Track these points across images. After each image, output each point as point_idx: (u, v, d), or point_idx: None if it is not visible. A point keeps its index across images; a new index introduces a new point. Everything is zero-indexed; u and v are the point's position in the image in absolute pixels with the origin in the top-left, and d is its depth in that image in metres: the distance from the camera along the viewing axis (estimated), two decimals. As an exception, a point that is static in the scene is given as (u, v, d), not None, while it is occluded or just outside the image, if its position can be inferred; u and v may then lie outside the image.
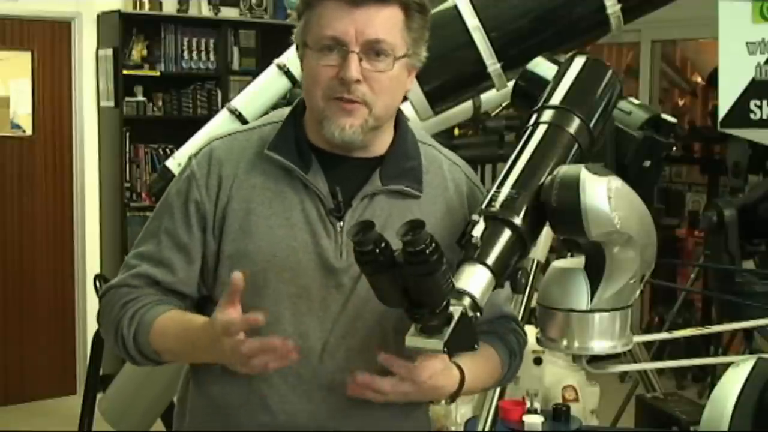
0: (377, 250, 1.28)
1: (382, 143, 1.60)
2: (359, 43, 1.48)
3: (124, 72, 5.49)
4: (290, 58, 2.80)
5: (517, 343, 1.72)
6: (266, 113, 2.27)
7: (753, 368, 1.56)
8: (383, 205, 1.58)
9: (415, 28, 1.54)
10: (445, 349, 1.28)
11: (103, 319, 1.64)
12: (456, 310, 1.29)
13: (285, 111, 1.66)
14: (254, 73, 3.58)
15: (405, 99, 2.32)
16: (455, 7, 2.14)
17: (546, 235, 1.68)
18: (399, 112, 1.63)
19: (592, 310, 1.47)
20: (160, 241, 1.59)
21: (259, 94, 2.89)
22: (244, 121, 2.75)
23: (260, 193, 1.56)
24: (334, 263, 1.55)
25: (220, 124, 2.82)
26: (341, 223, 1.56)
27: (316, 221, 1.55)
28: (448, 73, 2.19)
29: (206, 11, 5.93)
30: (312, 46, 1.52)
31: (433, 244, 1.24)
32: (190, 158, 1.64)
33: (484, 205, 1.44)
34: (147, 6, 5.66)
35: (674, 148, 1.87)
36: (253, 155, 1.59)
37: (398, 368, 1.46)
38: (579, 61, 1.66)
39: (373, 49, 1.50)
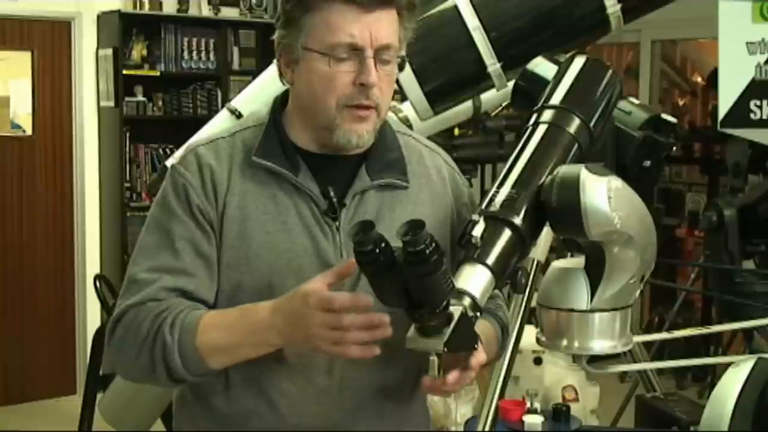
0: (377, 251, 1.28)
1: None
2: (373, 48, 1.49)
3: (124, 72, 5.49)
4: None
5: (506, 318, 1.76)
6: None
7: (753, 368, 1.56)
8: (374, 200, 1.58)
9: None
10: (445, 350, 1.29)
11: (124, 342, 1.51)
12: (456, 310, 1.29)
13: (261, 113, 1.64)
14: (254, 73, 3.58)
15: (405, 99, 2.34)
16: (455, 7, 2.14)
17: (546, 235, 1.68)
18: None
19: (592, 310, 1.46)
20: (177, 250, 1.52)
21: (259, 93, 2.88)
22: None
23: (254, 199, 1.54)
24: (335, 265, 1.53)
25: (220, 123, 2.81)
26: (337, 223, 1.56)
27: (312, 224, 1.55)
28: (448, 73, 2.19)
29: (206, 11, 5.93)
30: (324, 52, 1.49)
31: (434, 244, 1.24)
32: (173, 166, 1.59)
33: (484, 205, 1.44)
34: (147, 6, 5.66)
35: (674, 148, 1.87)
36: (240, 161, 1.57)
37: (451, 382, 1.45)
38: (579, 61, 1.66)
39: (384, 53, 1.51)
